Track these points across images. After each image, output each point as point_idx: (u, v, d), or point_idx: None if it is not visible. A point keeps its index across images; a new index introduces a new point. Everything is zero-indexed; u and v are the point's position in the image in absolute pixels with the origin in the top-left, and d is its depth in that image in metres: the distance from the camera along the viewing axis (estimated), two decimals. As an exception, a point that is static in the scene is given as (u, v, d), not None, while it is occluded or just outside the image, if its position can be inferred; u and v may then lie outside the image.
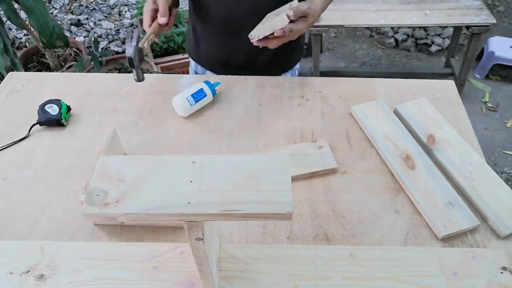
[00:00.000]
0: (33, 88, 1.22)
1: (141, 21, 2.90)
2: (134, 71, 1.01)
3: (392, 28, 3.16)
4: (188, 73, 1.47)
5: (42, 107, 1.08)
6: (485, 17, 2.30)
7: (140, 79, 1.02)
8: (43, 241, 0.80)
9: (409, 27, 3.08)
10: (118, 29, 3.15)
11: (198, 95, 1.09)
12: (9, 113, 1.14)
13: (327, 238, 0.84)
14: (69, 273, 0.74)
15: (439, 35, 3.08)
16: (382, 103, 1.09)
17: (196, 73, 1.38)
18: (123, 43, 3.05)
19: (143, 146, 1.04)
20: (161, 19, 1.00)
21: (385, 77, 1.44)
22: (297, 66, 1.38)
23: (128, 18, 3.26)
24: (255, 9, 1.08)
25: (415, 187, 0.89)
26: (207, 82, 1.13)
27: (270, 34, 0.94)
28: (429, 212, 0.85)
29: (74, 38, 3.06)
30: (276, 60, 1.27)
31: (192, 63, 1.39)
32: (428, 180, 0.91)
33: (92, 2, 3.36)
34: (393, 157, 0.96)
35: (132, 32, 0.99)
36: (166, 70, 2.60)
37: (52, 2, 3.40)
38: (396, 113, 1.09)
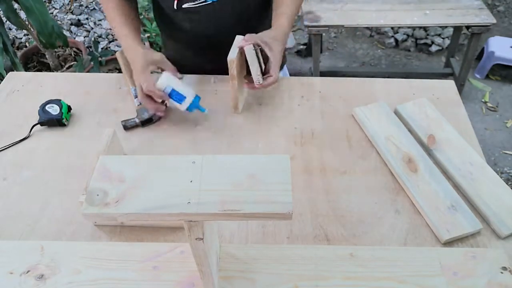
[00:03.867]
0: (33, 88, 1.22)
1: (141, 21, 2.89)
2: None
3: (392, 28, 3.15)
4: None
5: (42, 107, 1.08)
6: (485, 17, 2.29)
7: None
8: (43, 241, 0.80)
9: (409, 27, 3.08)
10: (118, 29, 3.15)
11: (177, 96, 1.02)
12: (9, 113, 1.14)
13: (327, 238, 0.84)
14: (69, 273, 0.74)
15: (439, 35, 3.07)
16: (383, 105, 1.09)
17: None
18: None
19: (143, 146, 1.04)
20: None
21: (385, 77, 1.44)
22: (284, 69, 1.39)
23: (128, 18, 3.25)
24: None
25: (417, 190, 0.89)
26: (197, 99, 1.04)
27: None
28: (431, 215, 0.85)
29: (74, 38, 3.05)
30: None
31: None
32: (430, 183, 0.90)
33: (92, 2, 3.36)
34: (395, 160, 0.96)
35: None
36: (166, 70, 2.60)
37: (52, 2, 3.40)
38: (397, 113, 1.09)
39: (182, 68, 1.28)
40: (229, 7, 1.11)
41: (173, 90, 1.00)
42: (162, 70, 1.04)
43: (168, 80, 1.01)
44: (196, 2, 1.10)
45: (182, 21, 1.15)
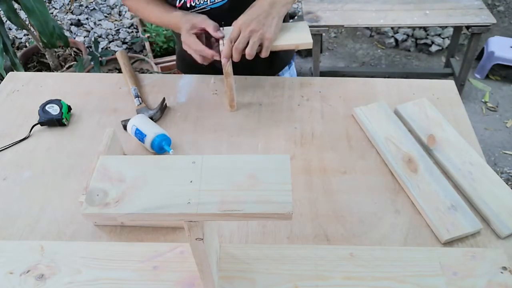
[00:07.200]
0: (33, 88, 1.22)
1: (141, 21, 2.90)
2: None
3: (392, 28, 3.16)
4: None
5: (42, 107, 1.08)
6: (485, 17, 2.30)
7: None
8: (43, 241, 0.80)
9: (409, 27, 3.08)
10: (118, 29, 3.15)
11: (139, 134, 1.01)
12: (9, 113, 1.14)
13: (327, 238, 0.84)
14: (69, 273, 0.74)
15: (439, 35, 3.08)
16: (383, 105, 1.09)
17: None
18: (123, 43, 3.05)
19: (143, 146, 1.04)
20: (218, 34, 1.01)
21: (385, 77, 1.44)
22: (289, 69, 1.37)
23: (128, 18, 3.26)
24: None
25: (418, 190, 0.89)
26: (164, 136, 1.01)
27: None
28: (431, 215, 0.85)
29: (74, 38, 3.06)
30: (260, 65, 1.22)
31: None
32: (430, 183, 0.90)
33: (92, 2, 3.36)
34: (395, 160, 0.96)
35: None
36: (166, 70, 2.60)
37: (52, 2, 3.40)
38: (397, 113, 1.09)
39: (194, 66, 1.28)
40: (241, 8, 1.08)
41: (136, 129, 1.01)
42: (204, 31, 1.04)
43: (135, 120, 1.02)
44: (196, 9, 1.10)
45: None
